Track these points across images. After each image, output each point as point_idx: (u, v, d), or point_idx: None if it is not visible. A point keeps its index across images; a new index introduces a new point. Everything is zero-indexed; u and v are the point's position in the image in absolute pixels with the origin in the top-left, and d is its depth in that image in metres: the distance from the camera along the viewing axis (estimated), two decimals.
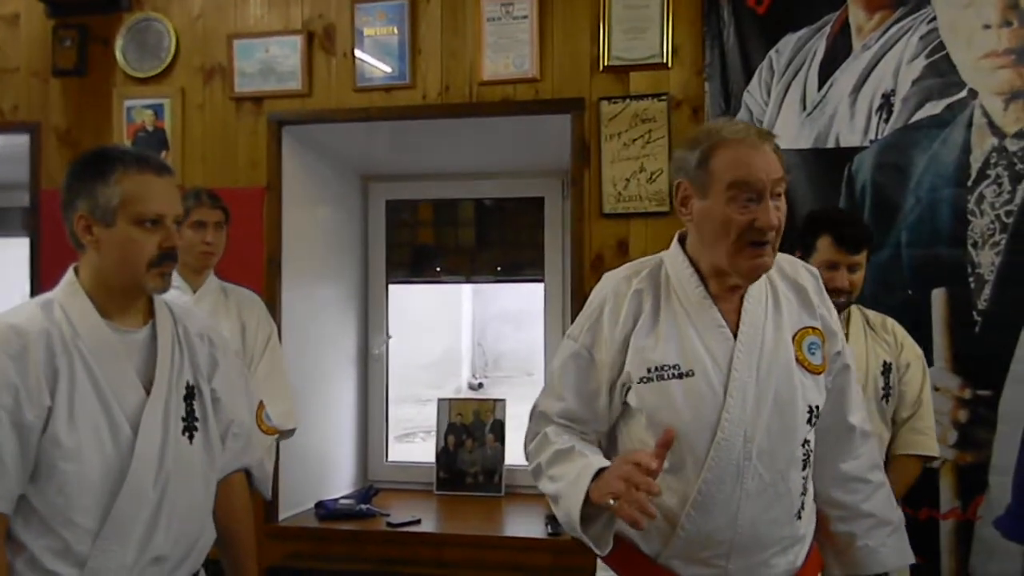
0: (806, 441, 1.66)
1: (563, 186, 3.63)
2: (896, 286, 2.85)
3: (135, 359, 1.66)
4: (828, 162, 2.94)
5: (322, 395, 3.59)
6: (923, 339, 2.64)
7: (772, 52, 3.00)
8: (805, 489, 1.68)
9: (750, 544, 1.61)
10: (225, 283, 2.85)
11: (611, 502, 1.46)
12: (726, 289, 1.66)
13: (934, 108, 2.87)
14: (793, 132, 2.94)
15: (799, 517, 1.67)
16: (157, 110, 3.42)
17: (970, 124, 2.84)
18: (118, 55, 3.45)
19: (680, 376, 1.61)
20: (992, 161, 2.83)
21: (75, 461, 1.55)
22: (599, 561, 1.75)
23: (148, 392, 1.64)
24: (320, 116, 3.32)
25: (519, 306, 8.83)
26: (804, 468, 1.66)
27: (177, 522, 1.65)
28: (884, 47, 2.92)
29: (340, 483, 3.70)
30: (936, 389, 2.67)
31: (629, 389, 1.65)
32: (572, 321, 1.79)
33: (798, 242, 2.46)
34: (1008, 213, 2.81)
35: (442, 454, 3.72)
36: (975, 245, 2.83)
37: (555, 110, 3.14)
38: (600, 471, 1.54)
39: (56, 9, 3.50)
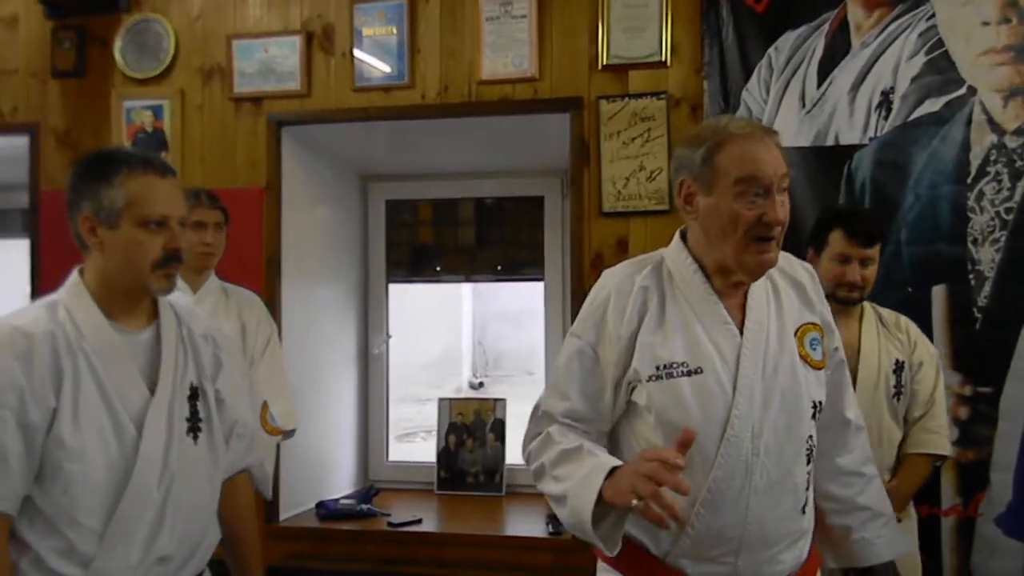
0: (810, 436, 1.67)
1: (562, 185, 3.63)
2: (896, 283, 2.85)
3: (139, 360, 1.66)
4: (828, 160, 2.94)
5: (322, 395, 3.59)
6: None
7: (771, 50, 3.00)
8: (808, 483, 1.69)
9: (759, 540, 1.61)
10: (226, 284, 2.85)
11: (634, 502, 1.43)
12: (730, 286, 1.66)
13: (933, 105, 2.87)
14: (792, 130, 2.94)
15: (803, 511, 1.68)
16: (156, 111, 3.42)
17: (969, 121, 2.84)
18: (117, 56, 3.45)
19: (689, 373, 1.60)
20: (992, 158, 2.83)
21: (80, 461, 1.56)
22: (600, 562, 1.74)
23: (152, 393, 1.64)
24: (319, 116, 3.32)
25: (519, 305, 8.84)
26: (808, 463, 1.67)
27: (182, 522, 1.66)
28: (883, 44, 2.92)
29: (341, 483, 3.70)
30: None
31: (634, 387, 1.64)
32: (572, 320, 1.77)
33: (811, 238, 2.48)
34: (1008, 210, 2.81)
35: (443, 454, 3.72)
36: (975, 242, 2.83)
37: (554, 109, 3.14)
38: (612, 470, 1.52)
39: (55, 10, 3.49)
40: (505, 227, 4.09)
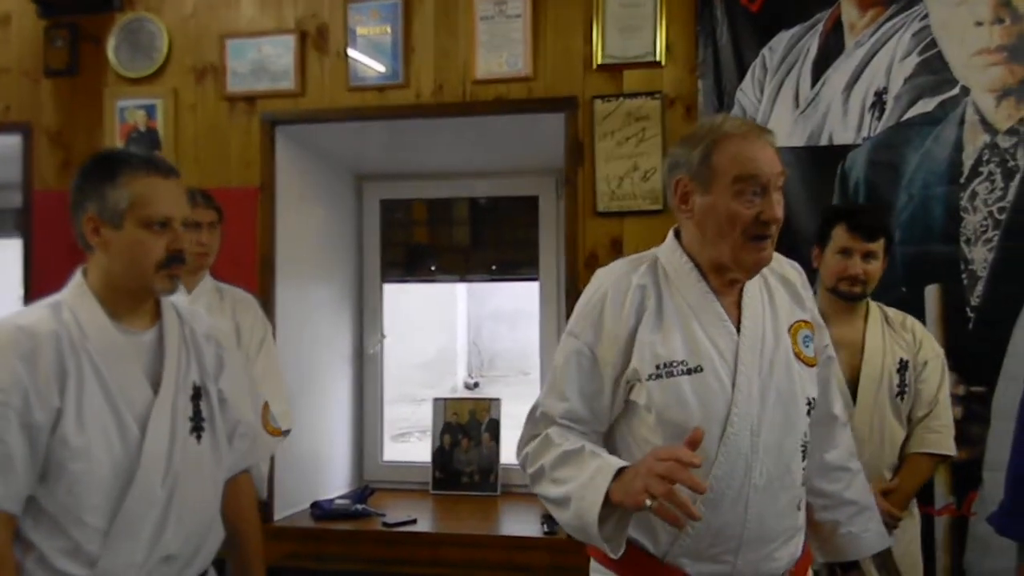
0: (804, 433, 1.68)
1: (557, 185, 3.63)
2: (889, 283, 2.84)
3: (143, 360, 1.67)
4: (821, 160, 2.94)
5: (317, 395, 3.58)
6: None
7: (765, 50, 3.00)
8: (804, 480, 1.70)
9: (758, 538, 1.61)
10: (220, 283, 2.84)
11: (648, 502, 1.42)
12: (726, 284, 1.66)
13: (926, 105, 2.88)
14: (786, 130, 2.94)
15: (799, 508, 1.69)
16: (149, 110, 3.41)
17: (962, 121, 2.85)
18: (110, 55, 3.44)
19: (689, 372, 1.60)
20: (984, 158, 2.83)
21: (84, 461, 1.57)
22: (593, 562, 1.73)
23: (156, 393, 1.65)
24: (313, 116, 3.32)
25: (514, 305, 8.85)
26: (804, 459, 1.68)
27: (186, 521, 1.67)
28: (876, 44, 2.93)
29: (336, 483, 3.69)
30: None
31: (633, 386, 1.63)
32: (567, 320, 1.76)
33: (816, 235, 2.51)
34: (1001, 209, 2.82)
35: (438, 454, 3.72)
36: (968, 241, 2.84)
37: (549, 109, 3.14)
38: (619, 472, 1.50)
39: (47, 9, 3.48)
40: (500, 227, 4.09)
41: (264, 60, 3.32)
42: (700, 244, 1.66)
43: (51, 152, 3.50)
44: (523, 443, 1.72)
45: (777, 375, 1.64)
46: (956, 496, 2.83)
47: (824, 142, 2.95)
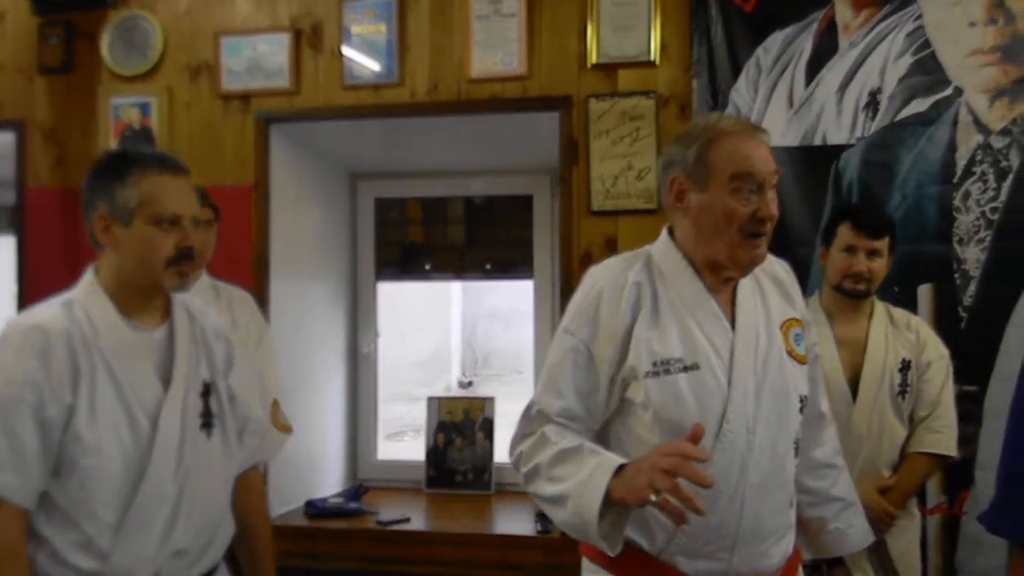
0: (796, 430, 1.69)
1: (552, 184, 3.63)
2: (883, 282, 2.86)
3: (154, 357, 1.70)
4: (815, 160, 2.95)
5: (311, 394, 3.58)
6: None
7: (759, 50, 3.01)
8: (795, 477, 1.71)
9: (753, 535, 1.61)
10: (217, 281, 2.84)
11: (652, 497, 1.41)
12: (720, 282, 1.67)
13: (920, 106, 2.89)
14: (780, 130, 2.95)
15: (791, 505, 1.70)
16: (144, 108, 3.40)
17: (956, 121, 2.86)
18: (104, 52, 3.44)
19: (686, 369, 1.60)
20: (977, 158, 2.84)
21: (95, 456, 1.59)
22: (585, 561, 1.73)
23: (166, 389, 1.68)
24: (308, 114, 3.32)
25: (508, 304, 8.84)
26: (796, 456, 1.70)
27: (197, 516, 1.69)
28: (870, 45, 2.93)
29: (329, 481, 3.69)
30: None
31: (629, 384, 1.63)
32: (562, 318, 1.77)
33: (821, 235, 2.54)
34: (993, 210, 2.83)
35: (432, 452, 3.72)
36: (961, 242, 2.85)
37: (543, 108, 3.14)
38: (619, 468, 1.50)
39: (42, 6, 3.47)
40: (494, 226, 4.09)
41: (259, 58, 3.32)
42: (695, 242, 1.66)
43: (45, 149, 3.49)
44: (517, 442, 1.71)
45: (771, 373, 1.65)
46: (948, 495, 2.84)
47: (818, 142, 2.96)
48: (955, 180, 2.86)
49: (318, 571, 3.15)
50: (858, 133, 2.93)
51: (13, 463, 1.56)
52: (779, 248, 1.82)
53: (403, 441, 7.01)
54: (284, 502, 3.38)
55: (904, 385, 2.44)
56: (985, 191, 2.83)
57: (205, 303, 2.71)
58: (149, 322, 1.72)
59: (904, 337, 2.48)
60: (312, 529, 3.27)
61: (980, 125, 2.85)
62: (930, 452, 2.44)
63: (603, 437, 1.70)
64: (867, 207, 2.64)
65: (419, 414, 4.17)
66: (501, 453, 3.47)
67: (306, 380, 3.53)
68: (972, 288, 2.83)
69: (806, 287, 2.77)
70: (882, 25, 2.93)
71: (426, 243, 4.16)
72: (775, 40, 3.00)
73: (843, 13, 2.96)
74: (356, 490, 3.57)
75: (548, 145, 3.21)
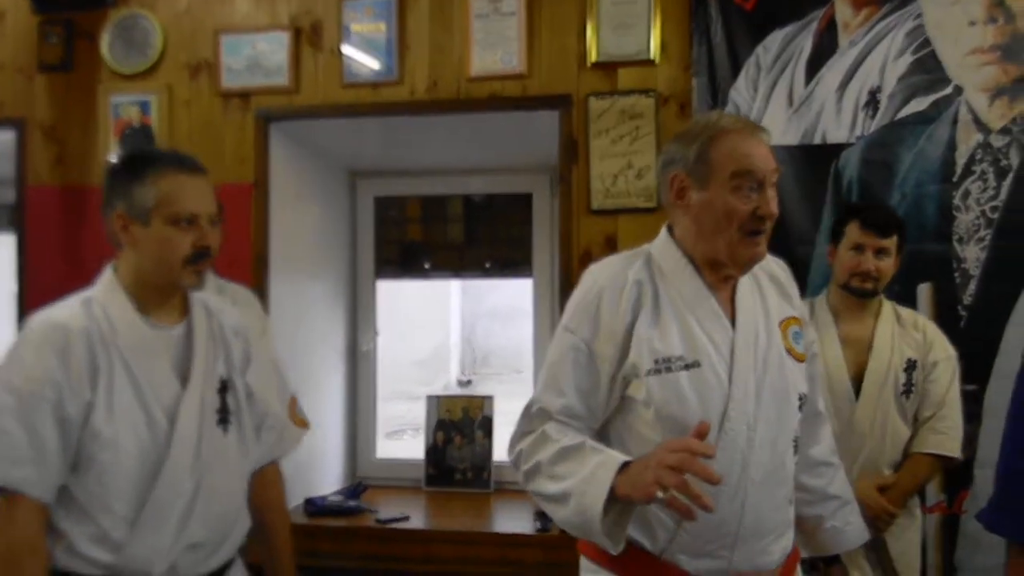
0: (795, 428, 1.70)
1: (551, 182, 3.63)
2: None
3: (171, 354, 1.73)
4: (815, 158, 2.95)
5: (311, 392, 3.57)
6: None
7: (759, 48, 3.01)
8: (794, 474, 1.71)
9: (754, 532, 1.62)
10: (221, 280, 2.84)
11: (659, 494, 1.41)
12: (720, 280, 1.67)
13: (920, 104, 2.89)
14: (780, 128, 2.95)
15: (790, 502, 1.71)
16: (144, 106, 3.40)
17: (955, 120, 2.86)
18: (104, 51, 3.43)
19: (687, 367, 1.60)
20: (977, 157, 2.84)
21: (112, 451, 1.62)
22: (584, 560, 1.73)
23: (184, 386, 1.70)
24: (308, 112, 3.31)
25: (508, 303, 8.85)
26: (795, 454, 1.70)
27: (212, 510, 1.71)
28: (870, 44, 2.93)
29: (329, 480, 3.69)
30: None
31: (630, 382, 1.63)
32: (561, 317, 1.77)
33: (829, 234, 2.54)
34: (993, 209, 2.83)
35: (431, 451, 3.72)
36: (960, 240, 2.85)
37: (543, 106, 3.14)
38: (623, 465, 1.50)
39: (42, 5, 3.47)
40: (494, 224, 4.09)
41: (258, 56, 3.32)
42: (695, 239, 1.66)
43: (45, 148, 3.49)
44: (516, 440, 1.70)
45: (771, 371, 1.65)
46: (947, 494, 2.84)
47: (818, 141, 2.96)
48: (955, 179, 2.86)
49: (317, 569, 3.14)
50: (858, 132, 2.93)
51: (33, 459, 1.58)
52: (779, 247, 1.82)
53: (402, 439, 7.01)
54: None
55: (909, 384, 2.44)
56: (985, 190, 2.83)
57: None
58: (167, 320, 1.74)
59: (911, 336, 2.48)
60: (311, 527, 3.27)
61: (980, 124, 2.85)
62: (932, 453, 2.43)
63: (604, 435, 1.70)
64: (876, 206, 2.63)
65: (418, 412, 4.18)
66: (500, 451, 3.47)
67: (305, 378, 3.53)
68: (972, 287, 2.83)
69: (805, 286, 2.78)
70: (882, 24, 2.93)
71: (426, 241, 4.16)
72: (775, 39, 3.00)
73: (843, 12, 2.96)
74: (355, 488, 3.58)
75: (548, 144, 3.21)
